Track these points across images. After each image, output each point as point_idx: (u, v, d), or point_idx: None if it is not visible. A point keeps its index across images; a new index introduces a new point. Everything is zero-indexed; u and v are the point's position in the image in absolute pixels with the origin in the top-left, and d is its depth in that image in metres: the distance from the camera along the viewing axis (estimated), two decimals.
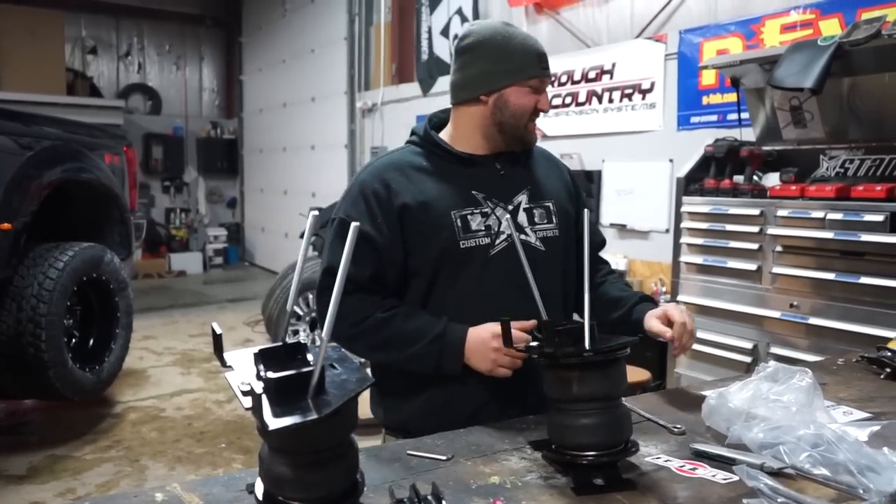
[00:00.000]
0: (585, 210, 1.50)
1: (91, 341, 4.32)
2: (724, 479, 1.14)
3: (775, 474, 1.13)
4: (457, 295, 1.56)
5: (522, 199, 1.64)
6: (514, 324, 1.30)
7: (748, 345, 3.07)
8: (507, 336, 1.25)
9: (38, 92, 8.47)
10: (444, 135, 1.69)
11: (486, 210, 1.59)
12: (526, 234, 1.61)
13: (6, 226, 3.61)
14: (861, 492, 1.07)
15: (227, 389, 5.02)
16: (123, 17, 11.18)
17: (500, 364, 1.46)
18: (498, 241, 1.58)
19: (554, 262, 1.64)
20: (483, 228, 1.57)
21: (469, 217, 1.57)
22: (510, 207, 1.61)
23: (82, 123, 4.86)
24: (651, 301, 1.70)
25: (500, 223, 1.59)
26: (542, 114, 1.64)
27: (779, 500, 1.00)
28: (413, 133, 1.72)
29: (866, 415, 1.44)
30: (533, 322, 1.37)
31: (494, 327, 1.45)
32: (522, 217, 1.62)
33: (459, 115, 1.67)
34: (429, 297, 1.59)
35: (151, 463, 3.77)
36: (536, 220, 1.64)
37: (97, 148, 4.61)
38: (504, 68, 1.59)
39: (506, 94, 1.59)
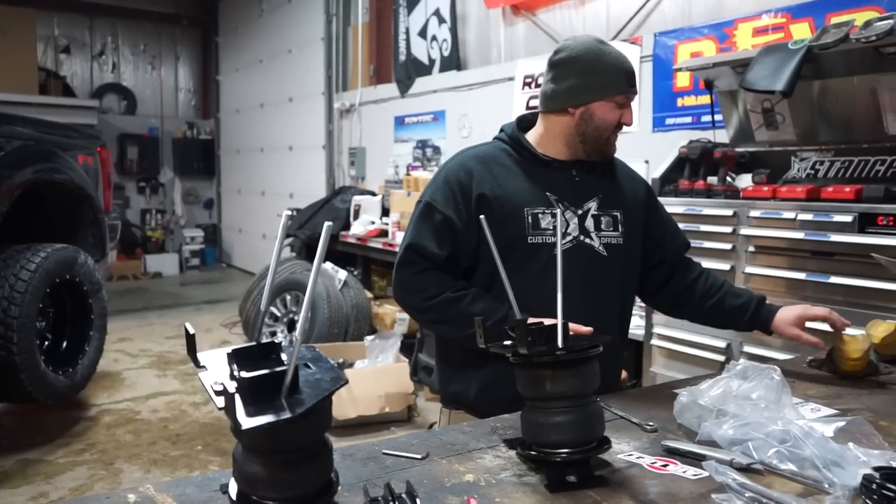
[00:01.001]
0: (558, 212, 1.58)
1: (64, 344, 4.26)
2: (695, 476, 1.16)
3: (744, 470, 1.16)
4: (518, 286, 1.60)
5: (592, 205, 1.74)
6: (573, 327, 1.33)
7: (722, 344, 3.11)
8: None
9: (10, 91, 8.33)
10: (531, 136, 1.80)
11: (557, 212, 1.69)
12: (591, 239, 1.72)
13: None
14: (826, 486, 1.10)
15: (203, 391, 4.97)
16: (97, 15, 11.04)
17: None
18: (563, 241, 1.67)
19: (614, 269, 1.75)
20: (552, 228, 1.68)
21: (540, 216, 1.68)
22: (580, 212, 1.72)
23: (55, 123, 4.80)
24: (766, 301, 1.86)
25: (567, 225, 1.70)
26: (625, 127, 1.74)
27: (746, 494, 1.02)
28: (502, 130, 1.84)
29: (833, 411, 1.47)
30: (590, 329, 1.45)
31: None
32: (590, 222, 1.73)
33: (546, 122, 1.78)
34: (492, 285, 1.69)
35: (126, 466, 3.73)
36: (603, 226, 1.74)
37: (70, 148, 4.55)
38: (593, 84, 1.70)
39: (592, 108, 1.70)
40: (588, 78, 1.69)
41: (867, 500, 1.06)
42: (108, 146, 5.74)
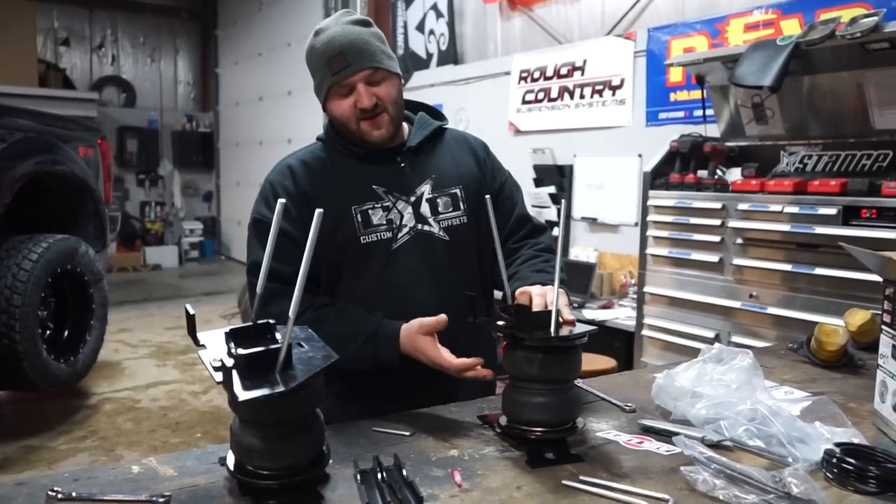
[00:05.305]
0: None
1: (66, 333, 4.33)
2: (667, 451, 1.23)
3: (714, 446, 1.22)
4: (363, 290, 1.57)
5: (425, 189, 1.63)
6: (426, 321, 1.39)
7: (711, 334, 3.18)
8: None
9: (10, 84, 8.37)
10: None
11: (388, 204, 1.59)
12: (429, 225, 1.62)
13: None
14: (790, 460, 1.16)
15: (202, 381, 5.05)
16: (97, 8, 11.08)
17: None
18: (400, 235, 1.59)
19: (463, 249, 1.65)
20: (384, 223, 1.58)
21: (370, 211, 1.57)
22: (413, 199, 1.61)
23: (56, 116, 4.85)
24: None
25: (402, 216, 1.59)
26: (374, 108, 1.56)
27: (712, 466, 1.08)
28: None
29: (806, 394, 1.54)
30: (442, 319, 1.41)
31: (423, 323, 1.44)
32: (425, 208, 1.62)
33: None
34: (335, 293, 1.58)
35: (127, 453, 3.80)
36: (440, 209, 1.64)
37: (71, 140, 4.60)
38: (315, 85, 1.61)
39: (328, 106, 1.61)
40: (313, 77, 1.61)
41: (827, 474, 1.13)
42: (108, 139, 5.79)
